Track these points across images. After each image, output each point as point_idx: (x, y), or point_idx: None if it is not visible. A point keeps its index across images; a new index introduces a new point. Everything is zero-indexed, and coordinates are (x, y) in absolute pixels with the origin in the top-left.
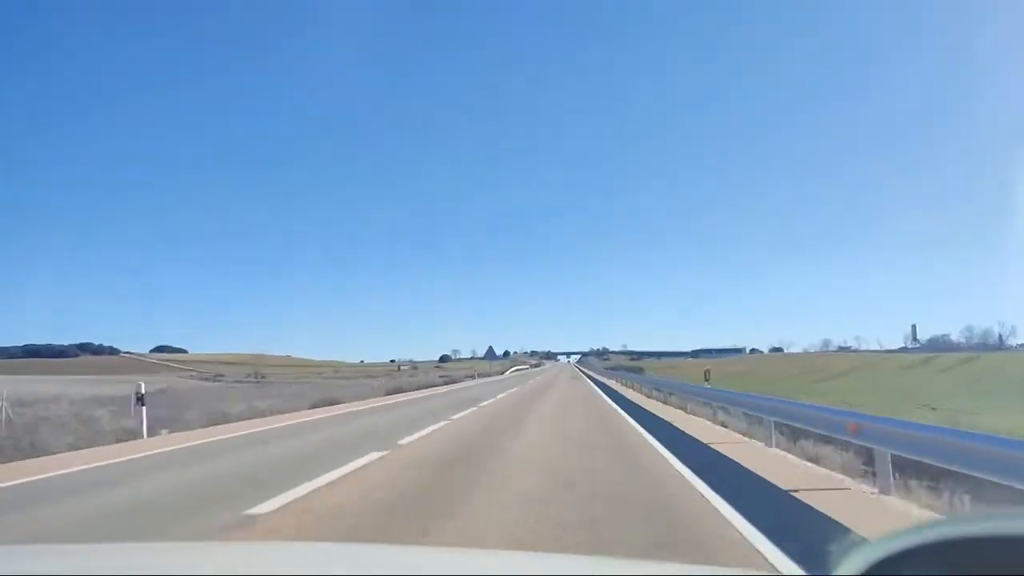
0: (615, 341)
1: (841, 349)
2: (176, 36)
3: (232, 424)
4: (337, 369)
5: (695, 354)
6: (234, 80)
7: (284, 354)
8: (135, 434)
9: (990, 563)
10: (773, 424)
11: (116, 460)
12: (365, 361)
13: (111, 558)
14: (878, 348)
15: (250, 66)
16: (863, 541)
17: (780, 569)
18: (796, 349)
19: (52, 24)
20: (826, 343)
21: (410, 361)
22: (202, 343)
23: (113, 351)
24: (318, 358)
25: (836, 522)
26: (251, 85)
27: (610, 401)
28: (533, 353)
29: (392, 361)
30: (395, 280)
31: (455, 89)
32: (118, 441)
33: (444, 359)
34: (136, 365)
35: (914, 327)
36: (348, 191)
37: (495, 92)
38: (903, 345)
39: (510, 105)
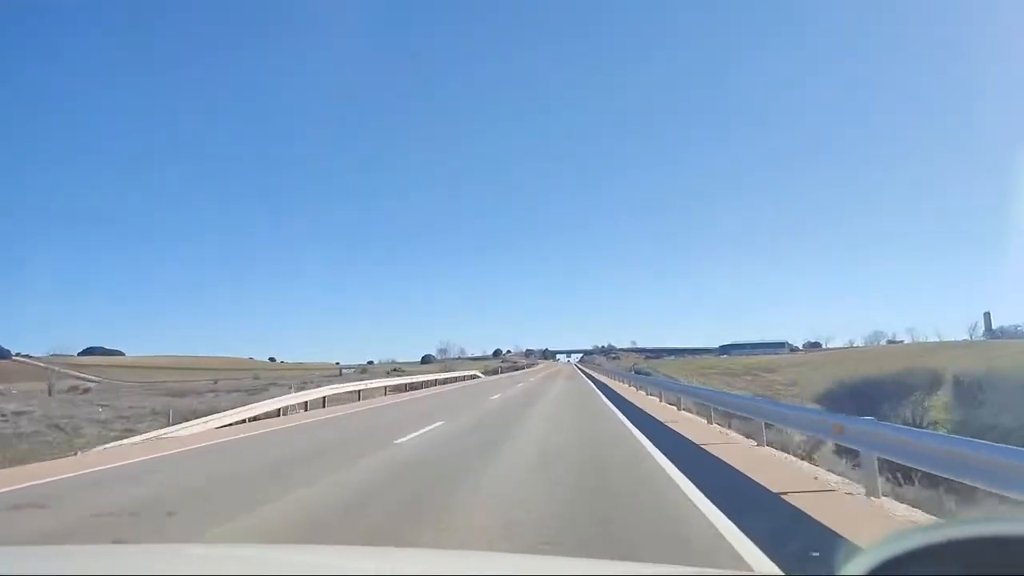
0: (622, 337)
1: (890, 343)
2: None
3: None
4: (258, 375)
5: (725, 350)
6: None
7: (265, 359)
8: None
9: (995, 565)
10: None
11: None
12: (341, 363)
13: (111, 559)
14: (937, 339)
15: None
16: (869, 545)
17: (780, 570)
18: (837, 343)
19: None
20: (877, 335)
21: (371, 362)
22: (160, 346)
23: (3, 353)
24: (296, 361)
25: None
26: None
27: None
28: (528, 352)
29: (369, 362)
30: (378, 277)
31: (445, 78)
32: None
33: (426, 359)
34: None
35: (987, 315)
36: (332, 186)
37: (487, 80)
38: (966, 337)
39: (509, 91)
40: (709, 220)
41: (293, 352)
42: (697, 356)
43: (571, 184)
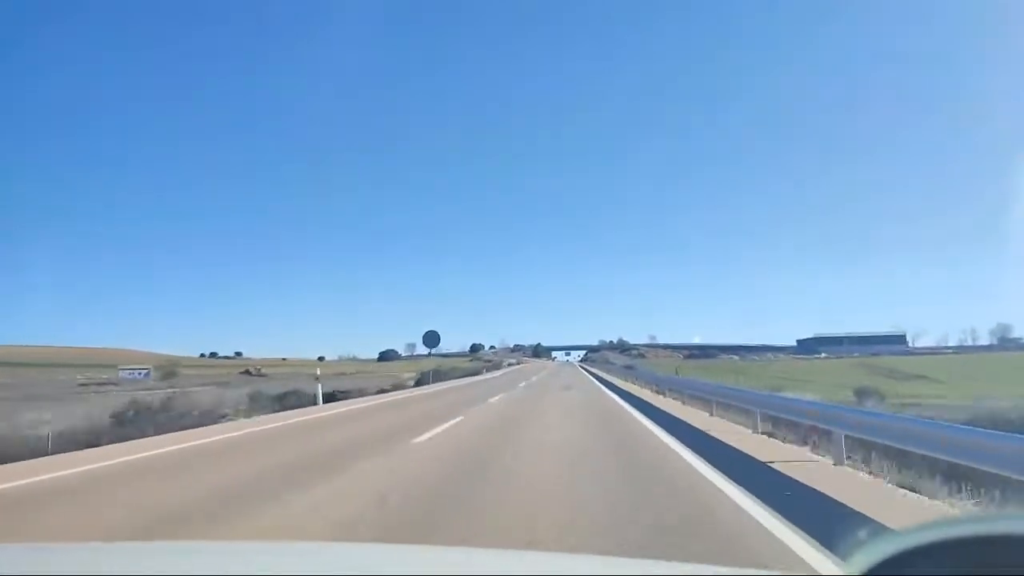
0: (636, 332)
1: (1002, 341)
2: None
3: None
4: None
5: (807, 346)
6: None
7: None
8: None
9: (994, 564)
10: None
11: None
12: (287, 359)
13: (111, 558)
14: None
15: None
16: (866, 541)
17: (781, 568)
18: (928, 341)
19: None
20: (1004, 330)
21: (322, 358)
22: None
23: None
24: (262, 356)
25: None
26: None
27: None
28: (516, 348)
29: (320, 358)
30: (339, 262)
31: (429, 69)
32: None
33: (386, 356)
34: None
35: None
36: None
37: (481, 72)
38: None
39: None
40: (750, 203)
41: (249, 346)
42: (775, 355)
43: (577, 162)
